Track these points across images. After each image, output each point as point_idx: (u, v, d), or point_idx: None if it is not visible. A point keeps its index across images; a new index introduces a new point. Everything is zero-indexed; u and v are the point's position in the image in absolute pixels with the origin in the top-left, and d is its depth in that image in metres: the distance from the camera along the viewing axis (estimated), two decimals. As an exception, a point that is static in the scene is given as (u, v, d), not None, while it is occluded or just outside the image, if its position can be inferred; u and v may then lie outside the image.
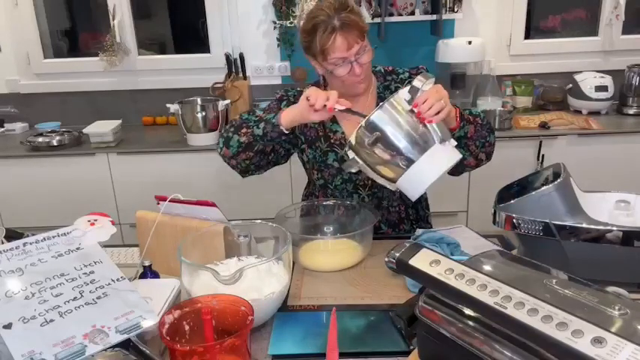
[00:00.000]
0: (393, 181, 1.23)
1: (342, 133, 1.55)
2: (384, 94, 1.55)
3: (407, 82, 1.55)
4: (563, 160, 1.35)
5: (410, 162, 1.17)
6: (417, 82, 1.19)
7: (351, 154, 1.24)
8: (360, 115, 1.27)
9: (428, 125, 1.17)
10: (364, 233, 1.35)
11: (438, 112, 1.17)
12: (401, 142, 1.16)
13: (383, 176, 1.23)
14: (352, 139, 1.21)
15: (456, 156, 1.21)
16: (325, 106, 1.28)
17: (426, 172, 1.17)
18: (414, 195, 1.23)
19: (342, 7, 1.39)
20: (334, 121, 1.56)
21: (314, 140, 1.55)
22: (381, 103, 1.19)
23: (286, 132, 1.39)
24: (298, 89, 1.59)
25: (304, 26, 1.44)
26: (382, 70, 1.60)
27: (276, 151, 1.51)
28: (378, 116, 1.17)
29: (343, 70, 1.42)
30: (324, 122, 1.55)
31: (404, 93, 1.19)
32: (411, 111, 1.18)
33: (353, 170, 1.27)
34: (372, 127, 1.17)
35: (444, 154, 1.19)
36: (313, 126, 1.55)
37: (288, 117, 1.37)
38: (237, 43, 2.99)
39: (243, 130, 1.43)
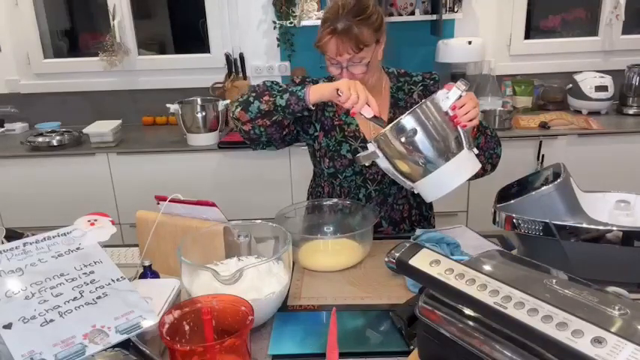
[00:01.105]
0: (413, 180, 1.24)
1: (357, 126, 1.56)
2: (397, 94, 1.58)
3: (421, 84, 1.59)
4: (563, 160, 1.35)
5: (436, 165, 1.19)
6: (460, 86, 1.21)
7: (371, 147, 1.24)
8: (380, 125, 1.28)
9: (460, 130, 1.20)
10: (364, 233, 1.35)
11: (472, 119, 1.22)
12: (433, 144, 1.18)
13: (404, 174, 1.25)
14: (383, 133, 1.21)
15: (477, 165, 1.23)
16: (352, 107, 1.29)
17: (451, 177, 1.20)
18: (430, 197, 1.25)
19: (356, 13, 1.38)
20: (348, 113, 1.56)
21: (330, 129, 1.56)
22: (421, 102, 1.21)
23: (312, 107, 1.37)
24: (314, 78, 1.59)
25: (324, 13, 1.46)
26: (395, 72, 1.61)
27: (290, 129, 1.49)
28: (415, 115, 1.18)
29: (334, 70, 1.46)
30: (339, 113, 1.57)
31: (442, 94, 1.21)
32: (446, 113, 1.20)
33: (367, 163, 1.28)
34: (407, 124, 1.18)
35: (469, 162, 1.22)
36: (328, 115, 1.56)
37: (316, 94, 1.35)
38: (237, 43, 2.99)
39: (265, 98, 1.39)
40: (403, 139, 1.18)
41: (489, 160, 1.49)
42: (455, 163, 1.19)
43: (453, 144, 1.21)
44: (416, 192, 1.29)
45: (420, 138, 1.18)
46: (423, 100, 1.22)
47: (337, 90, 1.30)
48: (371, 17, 1.40)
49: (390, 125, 1.20)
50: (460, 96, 1.21)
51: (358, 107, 1.28)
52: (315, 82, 1.50)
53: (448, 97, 1.21)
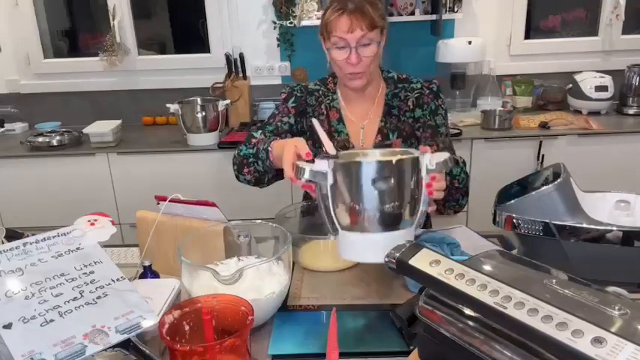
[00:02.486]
0: (341, 226, 1.08)
1: (347, 134, 1.56)
2: (391, 101, 1.56)
3: (417, 92, 1.54)
4: (563, 160, 1.35)
5: (375, 227, 1.04)
6: (446, 161, 1.07)
7: (323, 166, 1.05)
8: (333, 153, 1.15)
9: (423, 200, 1.08)
10: (364, 233, 1.34)
11: (441, 190, 1.14)
12: (392, 202, 1.03)
13: (337, 215, 1.07)
14: (351, 161, 1.05)
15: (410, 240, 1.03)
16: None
17: (380, 249, 0.94)
18: (345, 255, 1.11)
19: None
20: (340, 120, 1.57)
21: (319, 138, 1.54)
22: (408, 156, 1.08)
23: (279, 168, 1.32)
24: (303, 84, 1.60)
25: (328, 3, 1.46)
26: (395, 78, 1.59)
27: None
28: (398, 164, 1.04)
29: (340, 54, 1.42)
30: (329, 120, 1.57)
31: (428, 161, 1.07)
32: (417, 178, 1.07)
33: (304, 178, 1.07)
34: (384, 169, 1.02)
35: (403, 239, 0.97)
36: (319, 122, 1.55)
37: (277, 154, 1.33)
38: (237, 43, 2.99)
39: (246, 170, 1.48)
40: (374, 181, 1.01)
41: (450, 209, 1.49)
42: (393, 236, 1.03)
43: (407, 212, 1.06)
44: (331, 238, 1.15)
45: (387, 189, 1.02)
46: (410, 154, 1.09)
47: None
48: (378, 3, 1.42)
49: (366, 160, 1.04)
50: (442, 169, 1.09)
51: (287, 170, 1.16)
52: (302, 93, 1.54)
53: (435, 166, 1.06)
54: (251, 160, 1.45)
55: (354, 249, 1.10)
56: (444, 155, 1.09)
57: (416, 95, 1.56)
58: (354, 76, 1.45)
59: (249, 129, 2.81)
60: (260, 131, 1.53)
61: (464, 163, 1.54)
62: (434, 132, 1.55)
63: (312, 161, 1.08)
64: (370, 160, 1.05)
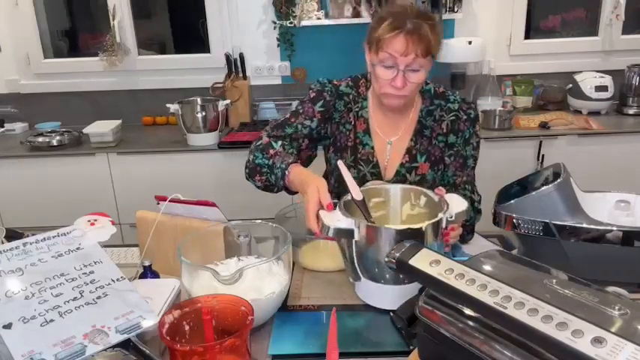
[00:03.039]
0: (360, 276, 1.14)
1: (372, 148, 1.49)
2: (425, 120, 1.48)
3: (453, 114, 1.46)
4: (563, 160, 1.35)
5: (392, 280, 1.09)
6: (464, 213, 1.10)
7: (350, 224, 1.07)
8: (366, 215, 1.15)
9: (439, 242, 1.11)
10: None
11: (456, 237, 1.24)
12: None
13: (357, 267, 1.13)
14: (382, 226, 1.07)
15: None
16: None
17: (392, 298, 1.10)
18: (360, 296, 1.17)
19: (425, 17, 1.31)
20: (367, 131, 1.50)
21: (342, 148, 1.50)
22: (436, 219, 1.07)
23: (293, 191, 1.32)
24: (335, 83, 1.50)
25: (381, 12, 1.38)
26: (432, 91, 1.49)
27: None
28: (427, 228, 1.05)
29: (385, 74, 1.33)
30: (356, 130, 1.49)
31: (449, 214, 1.09)
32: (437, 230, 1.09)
33: (330, 234, 1.08)
34: (413, 234, 1.02)
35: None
36: (345, 132, 1.50)
37: (295, 182, 1.28)
38: (237, 43, 2.99)
39: (257, 177, 1.42)
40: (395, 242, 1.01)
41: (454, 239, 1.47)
42: (412, 287, 1.07)
43: None
44: (351, 280, 1.19)
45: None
46: (437, 218, 1.07)
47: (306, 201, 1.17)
48: (437, 27, 1.32)
49: (393, 228, 1.05)
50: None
51: (312, 224, 1.14)
52: (332, 97, 1.47)
53: (454, 217, 1.09)
54: (265, 170, 1.39)
55: (372, 296, 1.16)
56: (464, 205, 1.11)
57: (451, 118, 1.47)
58: (393, 97, 1.38)
59: (256, 127, 2.79)
60: (280, 142, 1.43)
61: (479, 200, 1.49)
62: (463, 163, 1.48)
63: (335, 206, 1.12)
64: (397, 227, 1.06)
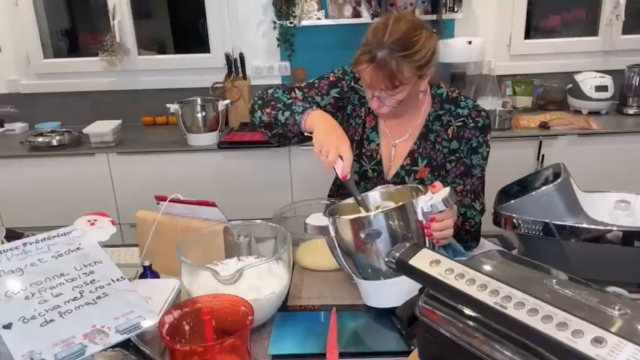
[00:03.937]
0: (352, 276, 1.16)
1: (378, 145, 1.50)
2: (432, 124, 1.46)
3: (461, 120, 1.42)
4: (563, 160, 1.35)
5: (380, 274, 1.09)
6: (442, 202, 1.07)
7: (324, 221, 1.11)
8: (362, 206, 1.20)
9: (427, 243, 1.10)
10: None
11: (446, 237, 1.14)
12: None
13: (345, 265, 1.15)
14: (341, 219, 1.09)
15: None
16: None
17: (389, 294, 1.08)
18: (368, 302, 1.15)
19: (402, 47, 1.25)
20: (375, 128, 1.50)
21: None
22: (398, 205, 1.09)
23: (307, 134, 1.30)
24: (357, 76, 1.47)
25: (367, 31, 1.32)
26: (444, 95, 1.46)
27: (299, 137, 1.39)
28: (388, 215, 1.06)
29: (367, 94, 1.38)
30: (365, 125, 1.50)
31: (424, 203, 1.08)
32: (419, 221, 1.09)
33: (314, 233, 1.14)
34: (374, 223, 1.05)
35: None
36: (355, 125, 1.51)
37: (313, 124, 1.27)
38: (237, 43, 2.99)
39: (268, 110, 1.37)
40: (362, 235, 1.05)
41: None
42: (403, 280, 1.00)
43: None
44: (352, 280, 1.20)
45: (382, 242, 1.05)
46: (400, 204, 1.09)
47: (319, 150, 1.23)
48: (417, 54, 1.27)
49: (352, 217, 1.09)
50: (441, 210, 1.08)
51: (326, 165, 1.21)
52: (348, 87, 1.46)
53: (430, 208, 1.07)
54: (279, 106, 1.35)
55: (369, 295, 1.14)
56: (443, 193, 1.08)
57: (458, 124, 1.43)
58: (376, 110, 1.39)
59: (256, 128, 2.71)
60: (301, 92, 1.44)
61: (482, 210, 1.45)
62: (466, 171, 1.44)
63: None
64: (351, 216, 1.10)
